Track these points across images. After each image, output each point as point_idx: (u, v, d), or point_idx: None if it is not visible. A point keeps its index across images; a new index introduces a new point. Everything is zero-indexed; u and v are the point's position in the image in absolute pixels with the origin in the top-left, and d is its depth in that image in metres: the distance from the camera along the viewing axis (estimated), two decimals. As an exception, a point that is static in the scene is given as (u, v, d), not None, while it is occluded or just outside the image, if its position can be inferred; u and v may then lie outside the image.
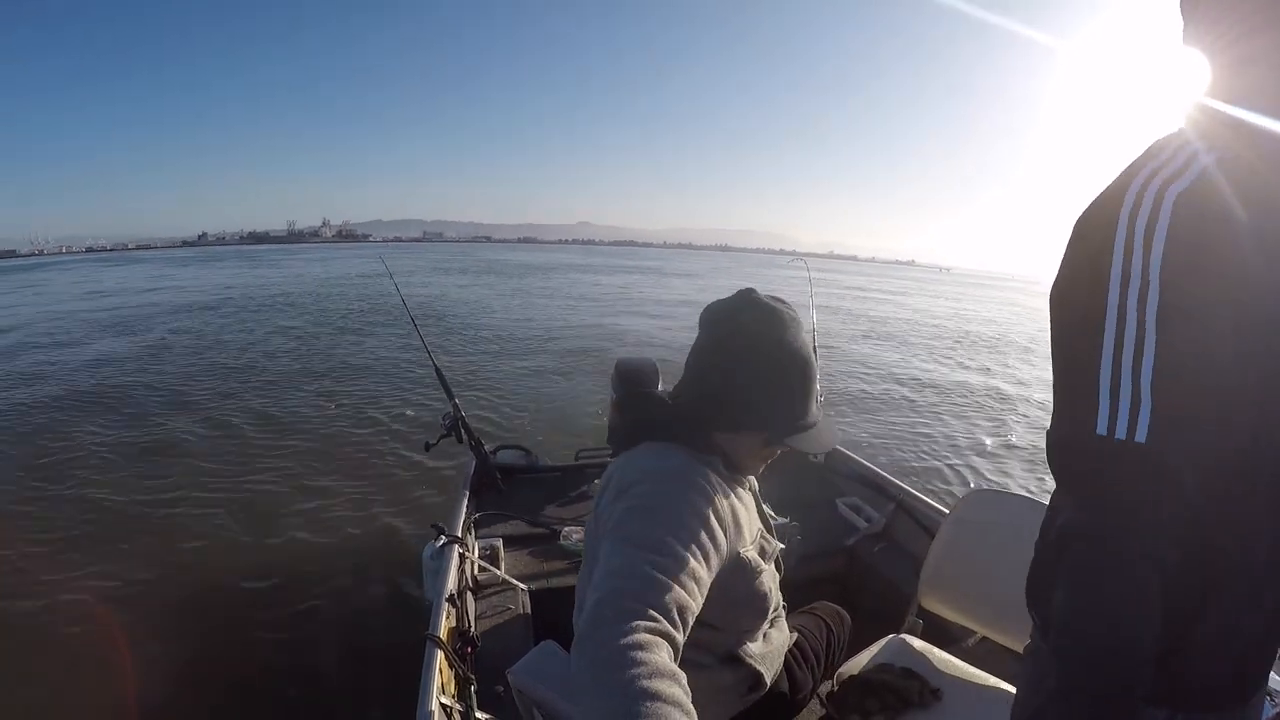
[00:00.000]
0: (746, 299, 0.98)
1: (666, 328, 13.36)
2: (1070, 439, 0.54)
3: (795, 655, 1.20)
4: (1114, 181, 0.55)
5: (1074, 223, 0.57)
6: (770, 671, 1.08)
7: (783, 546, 1.23)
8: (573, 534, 2.18)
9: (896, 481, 2.40)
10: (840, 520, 2.36)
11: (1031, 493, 4.82)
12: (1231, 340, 0.48)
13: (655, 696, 0.60)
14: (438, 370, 2.83)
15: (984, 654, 1.55)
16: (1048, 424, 0.57)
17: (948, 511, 1.74)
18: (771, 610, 1.06)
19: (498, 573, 1.91)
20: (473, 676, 1.42)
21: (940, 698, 1.31)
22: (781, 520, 2.01)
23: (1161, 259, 0.49)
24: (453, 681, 1.39)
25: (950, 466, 5.65)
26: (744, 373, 0.94)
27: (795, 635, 1.21)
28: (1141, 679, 0.52)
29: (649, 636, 0.66)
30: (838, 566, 2.22)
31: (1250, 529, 0.53)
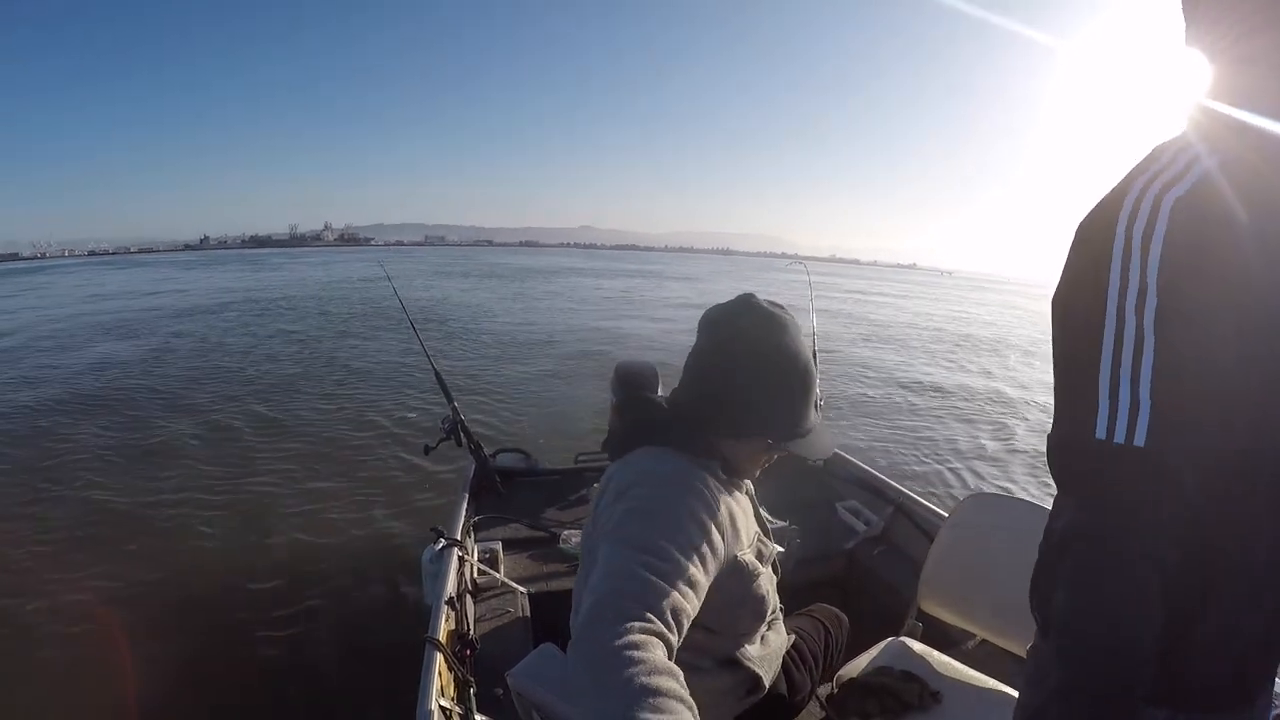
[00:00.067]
0: (746, 304, 0.98)
1: (667, 331, 13.36)
2: (1070, 441, 0.55)
3: (793, 657, 1.20)
4: (1115, 186, 0.55)
5: (1076, 228, 0.58)
6: (768, 674, 1.08)
7: (781, 550, 1.23)
8: (572, 537, 2.18)
9: (895, 485, 2.40)
10: (839, 524, 2.36)
11: (1032, 496, 4.83)
12: (1234, 343, 0.48)
13: (656, 692, 0.61)
14: (437, 374, 2.84)
15: (983, 657, 1.56)
16: (1048, 427, 0.58)
17: (947, 515, 1.74)
18: (769, 613, 1.06)
19: (497, 576, 1.91)
20: (472, 679, 1.42)
21: (940, 700, 1.31)
22: (780, 524, 2.01)
23: (1159, 264, 0.49)
24: (452, 684, 1.39)
25: (950, 470, 5.65)
26: (743, 377, 0.94)
27: (793, 637, 1.22)
28: (1141, 679, 0.52)
29: (645, 636, 0.67)
30: (837, 570, 2.22)
31: (1250, 529, 0.53)
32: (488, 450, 2.68)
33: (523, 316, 15.62)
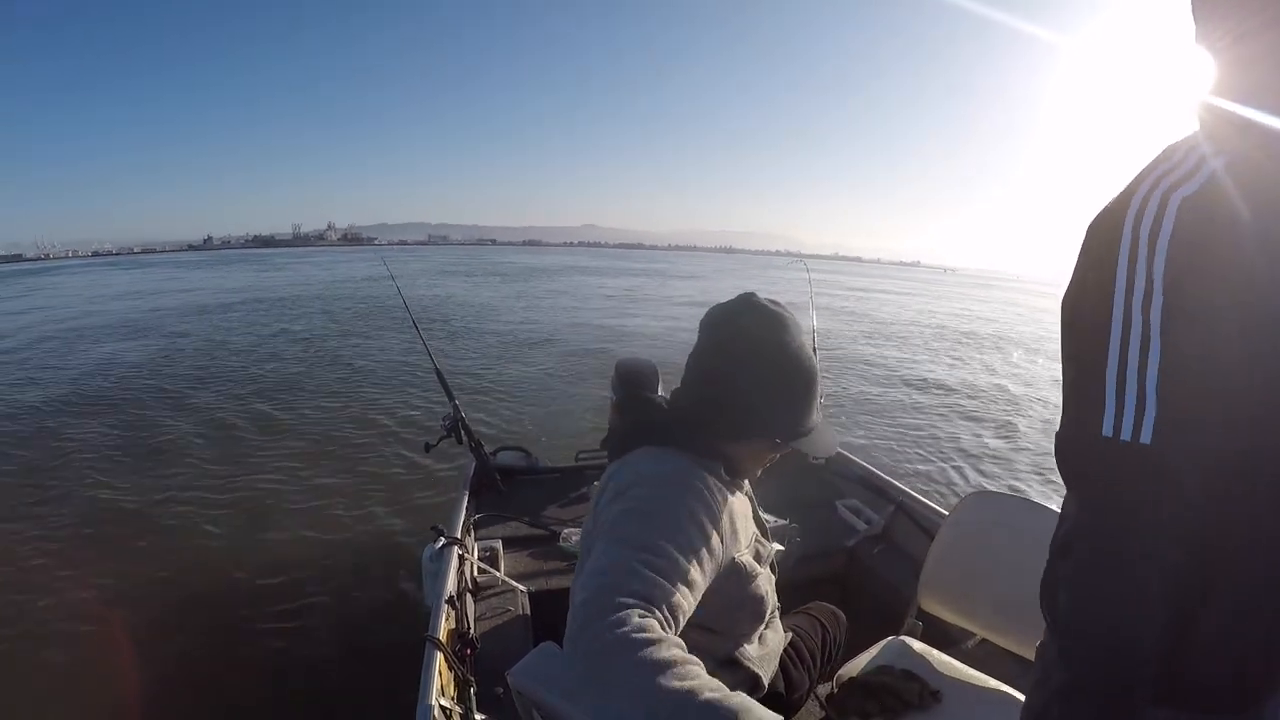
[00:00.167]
0: (747, 302, 0.98)
1: (670, 329, 13.37)
2: (1076, 439, 0.55)
3: (790, 655, 1.20)
4: (1125, 186, 0.55)
5: (1086, 228, 0.58)
6: (767, 673, 1.08)
7: (780, 548, 1.23)
8: (572, 536, 2.18)
9: (896, 483, 2.40)
10: (840, 522, 2.36)
11: (1034, 494, 4.81)
12: (1237, 341, 0.48)
13: (671, 663, 0.64)
14: (438, 371, 2.84)
15: (984, 656, 1.55)
16: (1051, 424, 0.58)
17: (947, 514, 1.73)
18: (768, 614, 1.06)
19: (497, 574, 1.91)
20: (472, 678, 1.42)
21: (940, 700, 1.31)
22: (781, 522, 2.01)
23: (1165, 263, 0.50)
24: (452, 683, 1.39)
25: (951, 468, 5.63)
26: (745, 376, 0.94)
27: (790, 635, 1.22)
28: (1142, 679, 0.52)
29: (642, 620, 0.68)
30: (837, 568, 2.22)
31: (1250, 529, 0.53)
32: (488, 448, 2.68)
33: (525, 315, 15.64)
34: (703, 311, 1.02)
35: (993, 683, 1.37)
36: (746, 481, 1.07)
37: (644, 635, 0.66)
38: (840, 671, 1.40)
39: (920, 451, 6.05)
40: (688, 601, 0.77)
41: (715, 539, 0.85)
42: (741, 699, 0.67)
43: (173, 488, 4.59)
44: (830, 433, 1.04)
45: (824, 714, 1.31)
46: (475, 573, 1.90)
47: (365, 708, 2.43)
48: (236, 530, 3.95)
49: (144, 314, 15.58)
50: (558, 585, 1.96)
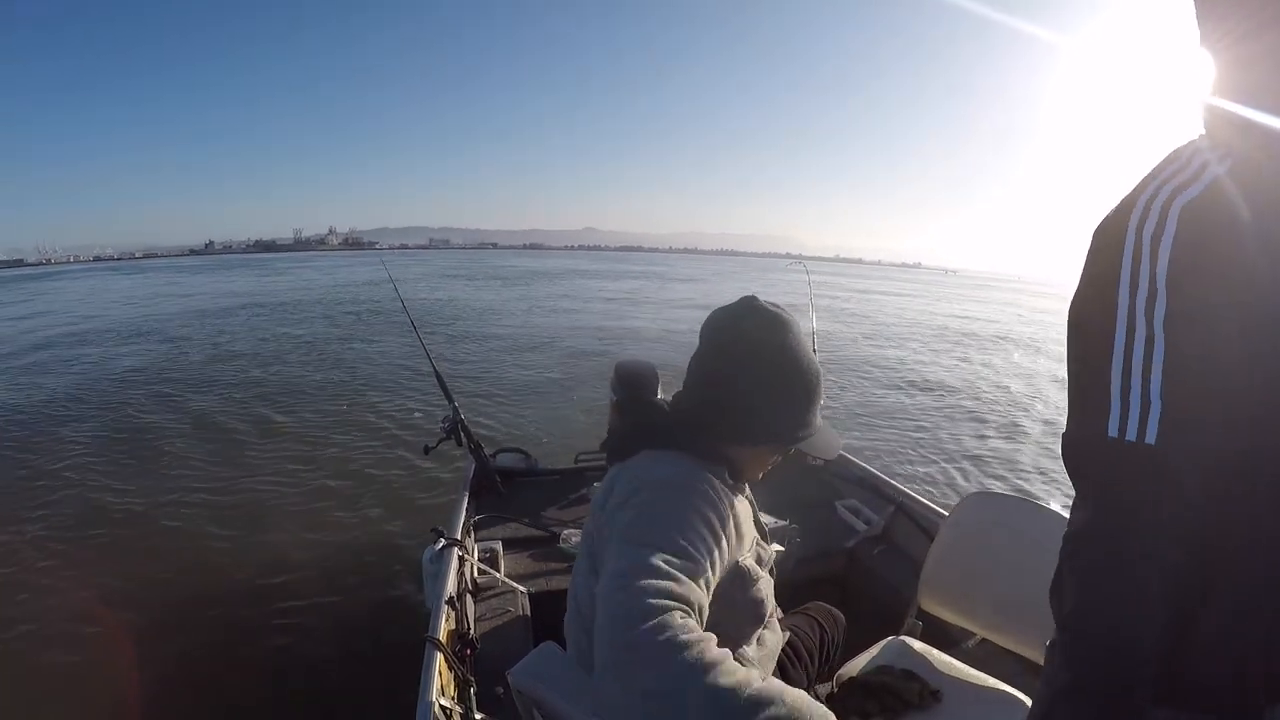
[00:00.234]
0: (748, 306, 0.98)
1: (669, 331, 13.37)
2: (1081, 441, 0.56)
3: (788, 654, 1.20)
4: (1129, 193, 0.56)
5: (1091, 234, 0.58)
6: (765, 674, 1.08)
7: (780, 549, 1.23)
8: (572, 537, 2.18)
9: (895, 484, 2.40)
10: (839, 523, 2.36)
11: (1034, 495, 4.80)
12: (1238, 342, 0.49)
13: (720, 661, 0.64)
14: (437, 374, 2.84)
15: (984, 656, 1.55)
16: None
17: (947, 514, 1.74)
18: (767, 616, 1.06)
19: (497, 575, 1.91)
20: (472, 679, 1.43)
21: (940, 699, 1.31)
22: (781, 522, 2.01)
23: (1167, 266, 0.50)
24: (452, 683, 1.39)
25: (951, 469, 5.63)
26: (745, 379, 0.94)
27: (787, 635, 1.22)
28: (1142, 679, 0.52)
29: (684, 620, 0.67)
30: (837, 569, 2.22)
31: (1250, 530, 0.53)
32: (488, 450, 2.68)
33: (525, 317, 15.67)
34: (703, 314, 1.03)
35: (993, 682, 1.37)
36: (747, 484, 1.08)
37: (692, 635, 0.65)
38: (840, 671, 1.40)
39: (919, 452, 6.04)
40: (707, 601, 0.76)
41: (723, 540, 0.85)
42: (782, 690, 0.68)
43: (174, 489, 4.60)
44: (832, 434, 1.04)
45: None
46: (475, 574, 1.90)
47: (365, 708, 2.43)
48: (238, 531, 3.95)
49: (146, 319, 15.63)
50: (558, 586, 1.96)
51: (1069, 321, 0.58)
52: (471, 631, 1.66)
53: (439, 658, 1.35)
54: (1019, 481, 5.47)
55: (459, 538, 1.94)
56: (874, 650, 1.48)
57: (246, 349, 10.75)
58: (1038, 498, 4.78)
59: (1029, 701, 1.29)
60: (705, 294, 25.24)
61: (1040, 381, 10.28)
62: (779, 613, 1.33)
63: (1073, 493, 0.61)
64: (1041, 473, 5.71)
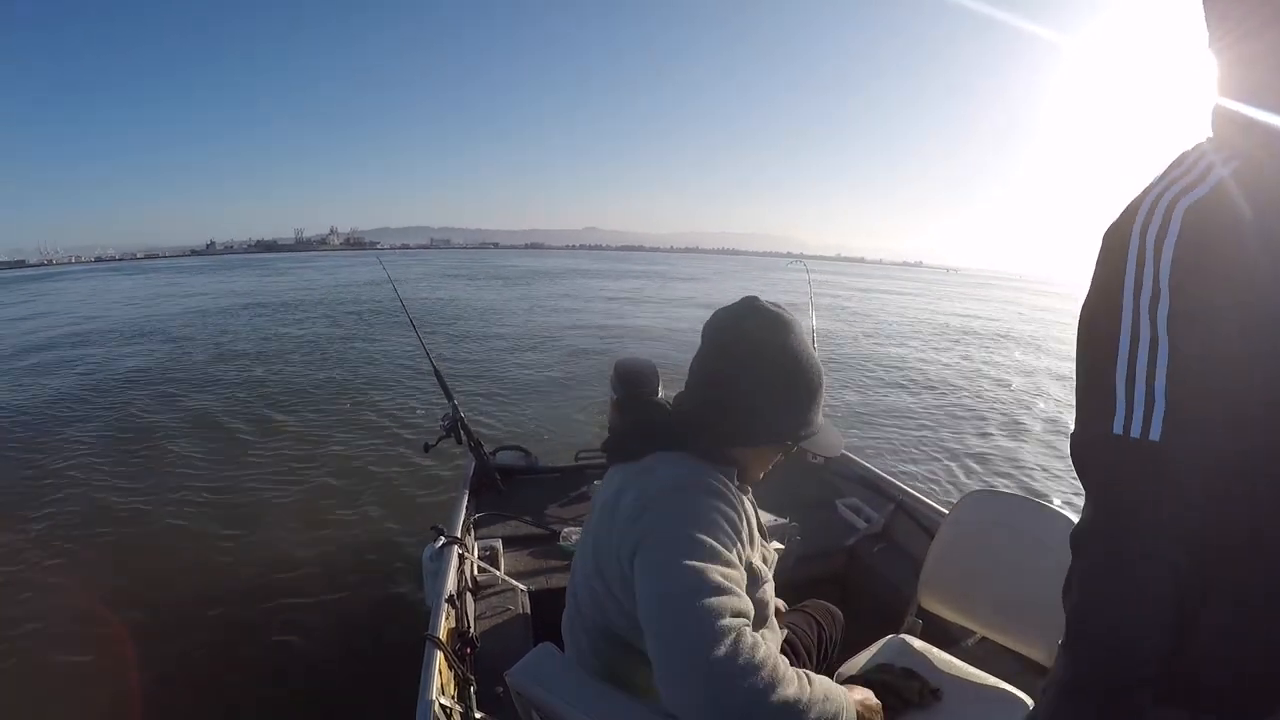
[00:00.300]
0: (749, 306, 0.98)
1: (672, 330, 13.38)
2: (1087, 440, 0.56)
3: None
4: (1137, 196, 0.56)
5: (1101, 238, 0.59)
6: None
7: (780, 547, 1.23)
8: (572, 535, 2.18)
9: (896, 482, 2.40)
10: (840, 521, 2.35)
11: (1033, 494, 4.79)
12: (1238, 341, 0.49)
13: (793, 679, 0.74)
14: (437, 372, 2.84)
15: (984, 654, 1.55)
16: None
17: (947, 512, 1.73)
18: (769, 615, 1.07)
19: (497, 574, 1.91)
20: (472, 677, 1.43)
21: (940, 698, 1.30)
22: (780, 521, 2.00)
23: (1170, 267, 0.51)
24: (452, 682, 1.39)
25: (950, 467, 5.62)
26: (747, 379, 0.94)
27: (785, 632, 1.22)
28: (1142, 679, 0.52)
29: (754, 639, 0.74)
30: (837, 567, 2.22)
31: (1250, 529, 0.53)
32: (487, 448, 2.69)
33: (526, 316, 15.70)
34: (704, 313, 1.03)
35: (993, 681, 1.37)
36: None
37: (760, 654, 0.72)
38: (840, 670, 1.39)
39: (920, 450, 6.03)
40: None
41: (741, 542, 0.88)
42: (824, 688, 0.80)
43: (176, 488, 4.62)
44: (834, 432, 1.05)
45: None
46: (475, 572, 1.90)
47: (365, 707, 2.43)
48: (238, 530, 3.96)
49: (149, 319, 15.66)
50: (557, 584, 1.96)
51: (1078, 325, 0.59)
52: (471, 630, 1.66)
53: (439, 656, 1.35)
54: (1019, 480, 5.46)
55: (459, 536, 1.94)
56: (874, 648, 1.48)
57: (248, 349, 10.77)
58: (1038, 496, 4.77)
59: (1029, 700, 1.29)
60: (706, 293, 25.24)
61: (1041, 378, 10.28)
62: (783, 607, 1.34)
63: (1073, 491, 0.61)
64: (1044, 469, 5.70)
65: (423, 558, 1.83)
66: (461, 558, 1.83)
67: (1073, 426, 0.58)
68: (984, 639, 1.56)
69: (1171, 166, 0.56)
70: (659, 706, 0.87)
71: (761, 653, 0.72)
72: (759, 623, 1.03)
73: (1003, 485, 5.23)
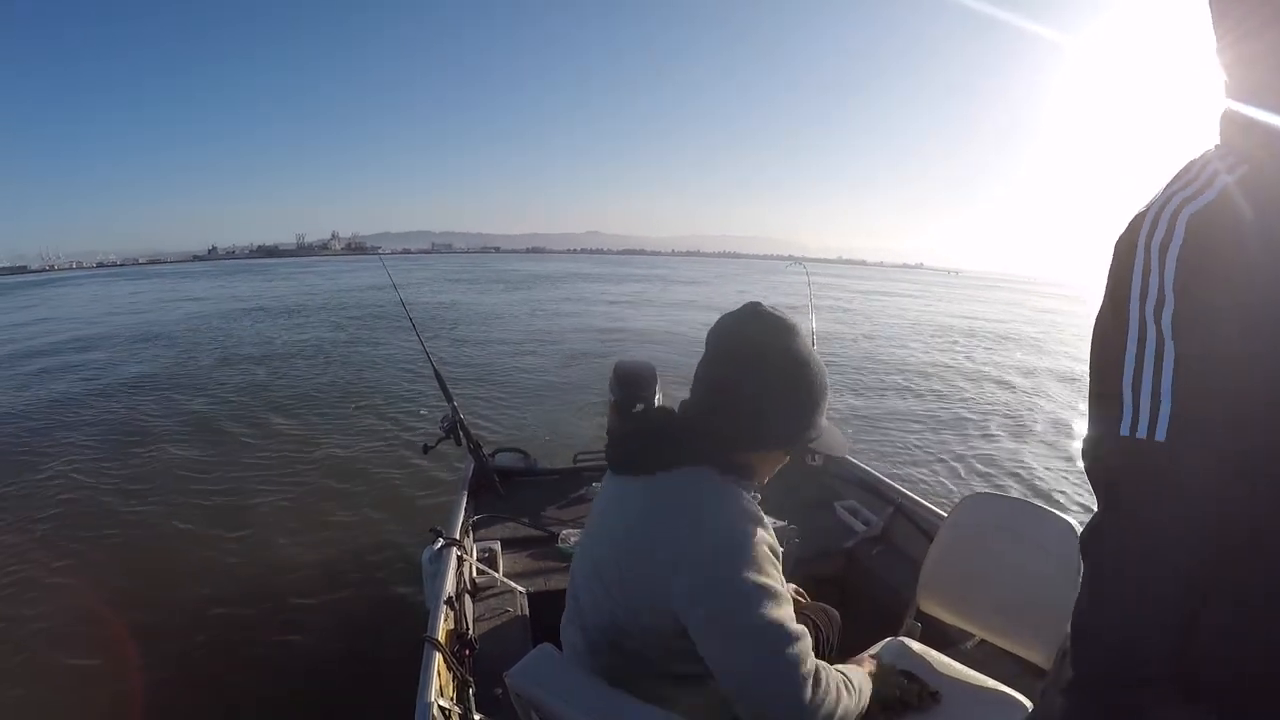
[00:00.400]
0: (753, 311, 0.99)
1: (672, 333, 13.38)
2: (1095, 441, 0.57)
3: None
4: (1144, 205, 0.57)
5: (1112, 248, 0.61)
6: None
7: (780, 549, 1.23)
8: (571, 536, 2.18)
9: (895, 485, 2.39)
10: (838, 523, 2.35)
11: (1031, 497, 4.77)
12: (1239, 343, 0.49)
13: (841, 697, 0.93)
14: (437, 373, 2.84)
15: (983, 657, 1.54)
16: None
17: (946, 515, 1.73)
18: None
19: (496, 575, 1.91)
20: (471, 679, 1.43)
21: (939, 700, 1.30)
22: (779, 523, 2.00)
23: (1174, 271, 0.51)
24: (451, 684, 1.39)
25: (949, 470, 5.61)
26: (752, 384, 0.95)
27: None
28: (1142, 679, 0.53)
29: (821, 672, 0.90)
30: (836, 570, 2.21)
31: (1250, 530, 0.53)
32: (486, 450, 2.69)
33: (528, 320, 15.73)
34: (705, 315, 1.04)
35: (992, 683, 1.36)
36: None
37: (826, 682, 0.90)
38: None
39: (919, 453, 6.02)
40: None
41: (779, 567, 0.93)
42: (857, 684, 1.02)
43: (176, 490, 4.63)
44: (838, 433, 1.06)
45: None
46: (474, 574, 1.90)
47: (365, 708, 2.43)
48: (239, 531, 3.97)
49: (152, 324, 15.71)
50: (556, 586, 1.96)
51: (1092, 334, 0.60)
52: (470, 631, 1.66)
53: (438, 658, 1.35)
54: (1018, 483, 5.44)
55: (458, 538, 1.94)
56: (873, 651, 1.47)
57: (251, 353, 10.80)
58: (1037, 499, 4.75)
59: (1028, 703, 1.29)
60: (707, 296, 25.25)
61: (1041, 380, 10.26)
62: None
63: (1074, 494, 0.62)
64: (1044, 471, 5.68)
65: (422, 559, 1.83)
66: (460, 559, 1.82)
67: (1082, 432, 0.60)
68: (983, 642, 1.55)
69: (1177, 175, 0.56)
70: (658, 707, 0.88)
71: (825, 680, 0.90)
72: None
73: (1004, 488, 5.22)
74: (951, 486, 5.17)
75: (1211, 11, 0.58)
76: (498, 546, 2.02)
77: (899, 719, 1.25)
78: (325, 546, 3.76)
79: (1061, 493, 5.12)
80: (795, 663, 0.86)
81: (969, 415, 7.61)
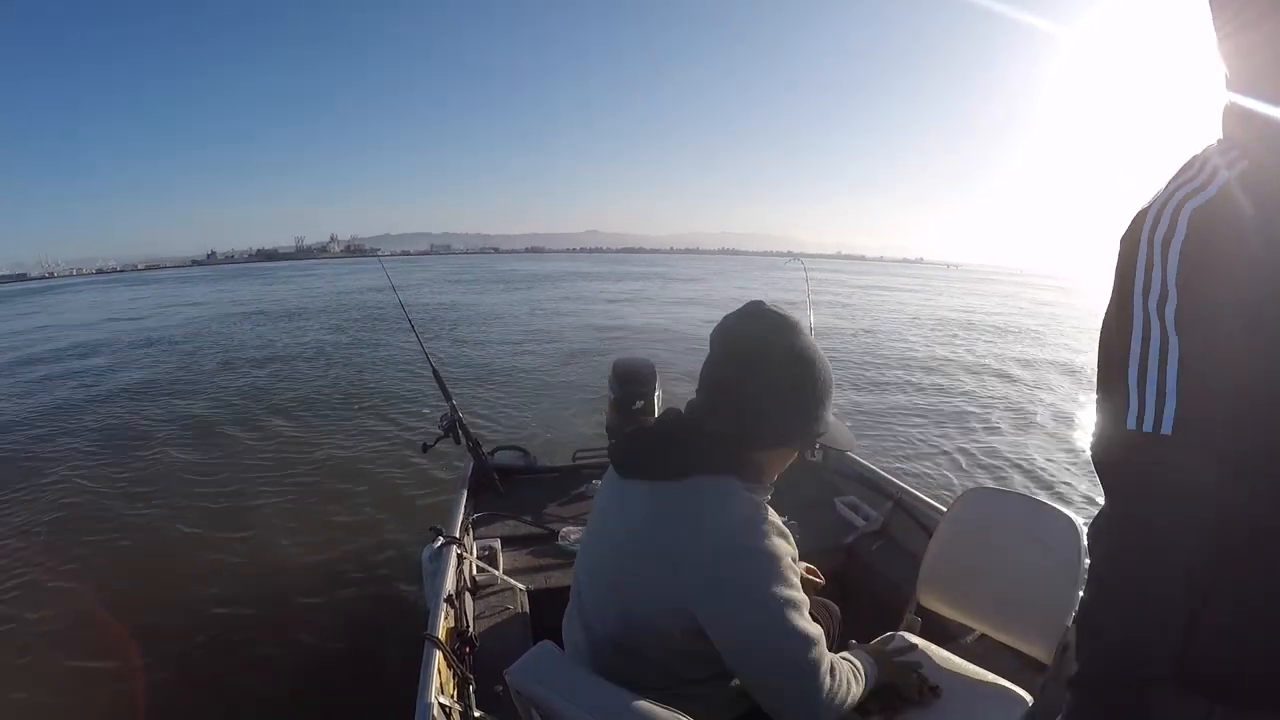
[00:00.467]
0: (756, 310, 0.99)
1: (671, 330, 13.37)
2: (1102, 436, 0.57)
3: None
4: (1147, 201, 0.57)
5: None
6: None
7: (795, 551, 1.23)
8: (571, 534, 2.18)
9: (894, 480, 2.38)
10: (838, 519, 2.35)
11: (1031, 491, 4.77)
12: (1240, 338, 0.49)
13: (850, 691, 1.01)
14: (435, 372, 2.84)
15: (983, 651, 1.54)
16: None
17: (946, 510, 1.73)
18: None
19: (496, 573, 1.91)
20: (471, 676, 1.43)
21: (939, 695, 1.30)
22: (780, 519, 2.00)
23: (1177, 267, 0.52)
24: (451, 682, 1.39)
25: (948, 464, 5.61)
26: (756, 382, 0.95)
27: None
28: (1143, 676, 0.53)
29: (834, 664, 0.97)
30: (836, 565, 2.21)
31: (1250, 529, 0.53)
32: (486, 448, 2.68)
33: (527, 320, 15.74)
34: (704, 312, 1.04)
35: (991, 678, 1.36)
36: None
37: (838, 674, 0.97)
38: None
39: (918, 447, 6.02)
40: None
41: (796, 571, 0.97)
42: (862, 672, 1.09)
43: (177, 492, 4.65)
44: (844, 428, 1.07)
45: None
46: (474, 572, 1.90)
47: (365, 707, 2.44)
48: (238, 532, 3.98)
49: (153, 329, 15.74)
50: (556, 583, 1.96)
51: (1100, 331, 0.60)
52: (470, 629, 1.66)
53: (438, 656, 1.35)
54: (1022, 474, 5.45)
55: (457, 536, 1.94)
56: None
57: (252, 356, 10.83)
58: (1040, 491, 4.76)
59: (1028, 697, 1.29)
60: (706, 293, 25.25)
61: (1041, 374, 10.25)
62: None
63: (1076, 485, 0.62)
64: (1049, 461, 5.69)
65: (422, 558, 1.84)
66: (460, 558, 1.83)
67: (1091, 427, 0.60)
68: (983, 636, 1.55)
69: (1180, 171, 0.57)
70: (657, 703, 0.88)
71: (839, 673, 0.97)
72: None
73: (1004, 481, 5.22)
74: (954, 480, 5.18)
75: (1210, 2, 0.58)
76: (498, 544, 2.02)
77: (899, 714, 1.25)
78: (326, 546, 3.76)
79: (1065, 484, 5.13)
80: (815, 665, 0.92)
81: (970, 408, 7.62)
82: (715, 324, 1.03)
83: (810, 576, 1.45)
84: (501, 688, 1.41)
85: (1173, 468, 0.51)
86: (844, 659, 1.03)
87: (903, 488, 2.32)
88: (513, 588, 1.91)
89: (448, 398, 2.76)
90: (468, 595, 1.81)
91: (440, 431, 2.64)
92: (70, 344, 13.31)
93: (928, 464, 5.58)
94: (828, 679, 0.94)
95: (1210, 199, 0.52)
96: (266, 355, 10.77)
